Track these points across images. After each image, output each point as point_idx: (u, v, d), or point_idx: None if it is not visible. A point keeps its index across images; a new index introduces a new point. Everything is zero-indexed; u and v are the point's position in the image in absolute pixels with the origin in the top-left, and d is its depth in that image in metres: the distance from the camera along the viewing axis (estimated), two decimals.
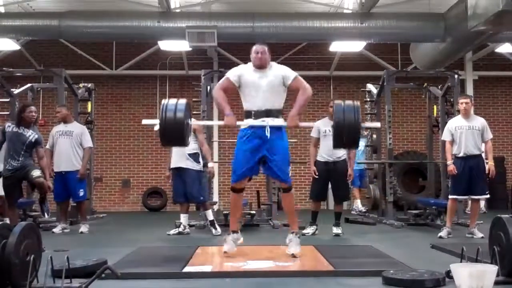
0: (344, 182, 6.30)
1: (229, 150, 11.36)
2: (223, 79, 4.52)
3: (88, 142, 7.05)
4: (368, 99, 9.43)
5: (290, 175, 4.52)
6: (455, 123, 6.23)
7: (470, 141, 6.03)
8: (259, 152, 4.34)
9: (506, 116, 12.28)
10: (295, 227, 4.56)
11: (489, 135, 6.13)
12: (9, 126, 5.78)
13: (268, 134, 4.29)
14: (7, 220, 5.63)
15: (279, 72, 4.43)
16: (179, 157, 6.44)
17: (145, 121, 4.79)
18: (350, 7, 9.06)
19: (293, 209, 4.61)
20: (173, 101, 4.26)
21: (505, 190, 11.55)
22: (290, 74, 4.44)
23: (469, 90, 11.66)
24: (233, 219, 4.70)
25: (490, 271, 3.06)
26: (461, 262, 3.49)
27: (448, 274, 3.33)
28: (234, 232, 4.58)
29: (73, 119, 7.37)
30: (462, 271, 3.08)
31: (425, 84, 8.74)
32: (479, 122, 6.16)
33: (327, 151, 6.27)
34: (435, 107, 8.73)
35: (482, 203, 10.18)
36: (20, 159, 5.66)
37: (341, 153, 6.28)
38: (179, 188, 6.47)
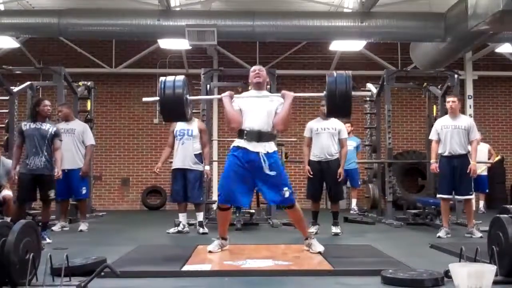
0: (338, 182, 6.31)
1: (229, 150, 11.34)
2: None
3: (90, 140, 7.06)
4: (368, 99, 9.43)
5: (290, 192, 4.43)
6: (441, 123, 6.29)
7: (456, 140, 6.05)
8: (248, 180, 4.40)
9: (506, 116, 12.27)
10: (306, 233, 4.67)
11: (475, 135, 6.15)
12: (26, 125, 5.65)
13: (259, 160, 4.33)
14: (8, 219, 5.62)
15: (277, 99, 4.53)
16: (185, 157, 6.44)
17: (145, 99, 4.86)
18: (350, 6, 9.05)
19: (301, 219, 4.66)
20: (171, 77, 4.44)
21: (504, 190, 11.55)
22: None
23: (469, 90, 11.67)
24: (221, 228, 4.73)
25: (489, 270, 3.07)
26: (460, 261, 3.50)
27: (447, 273, 3.33)
28: (223, 238, 4.69)
29: (75, 117, 7.36)
30: (460, 271, 3.08)
31: (425, 83, 8.74)
32: (466, 121, 6.19)
33: (319, 150, 6.29)
34: (434, 106, 8.73)
35: (481, 203, 10.21)
36: (44, 155, 5.56)
37: (334, 152, 6.30)
38: (180, 188, 6.45)
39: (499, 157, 10.69)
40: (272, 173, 4.35)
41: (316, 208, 6.49)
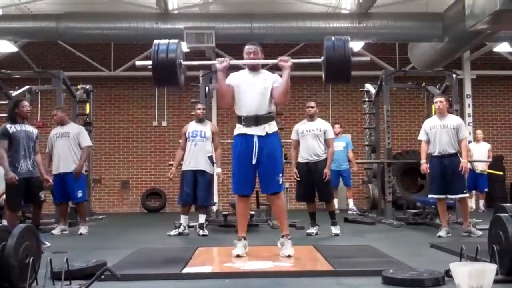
0: (325, 182, 6.30)
1: (228, 151, 11.32)
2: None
3: (86, 141, 7.02)
4: (367, 99, 9.45)
5: (280, 182, 4.43)
6: (430, 123, 6.34)
7: (445, 140, 6.08)
8: (251, 161, 4.35)
9: (505, 115, 12.29)
10: (286, 230, 4.53)
11: (464, 133, 6.17)
12: (11, 127, 5.53)
13: (256, 144, 4.32)
14: (5, 222, 5.60)
15: (270, 75, 4.50)
16: (198, 159, 6.41)
17: (138, 63, 4.76)
18: (348, 7, 9.07)
19: (284, 212, 4.58)
20: (165, 41, 4.35)
21: (504, 188, 11.56)
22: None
23: (467, 89, 11.69)
24: (241, 224, 4.59)
25: (490, 270, 3.06)
26: (460, 261, 3.50)
27: (448, 273, 3.33)
28: (244, 238, 4.53)
29: (70, 121, 7.35)
30: (461, 270, 3.08)
31: (423, 83, 8.74)
32: (454, 121, 6.22)
33: (306, 151, 6.32)
34: (433, 106, 8.72)
35: (481, 202, 10.21)
36: (31, 157, 5.54)
37: (321, 152, 6.32)
38: (191, 191, 6.40)
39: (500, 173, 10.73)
40: (271, 155, 4.34)
41: (313, 209, 6.49)
